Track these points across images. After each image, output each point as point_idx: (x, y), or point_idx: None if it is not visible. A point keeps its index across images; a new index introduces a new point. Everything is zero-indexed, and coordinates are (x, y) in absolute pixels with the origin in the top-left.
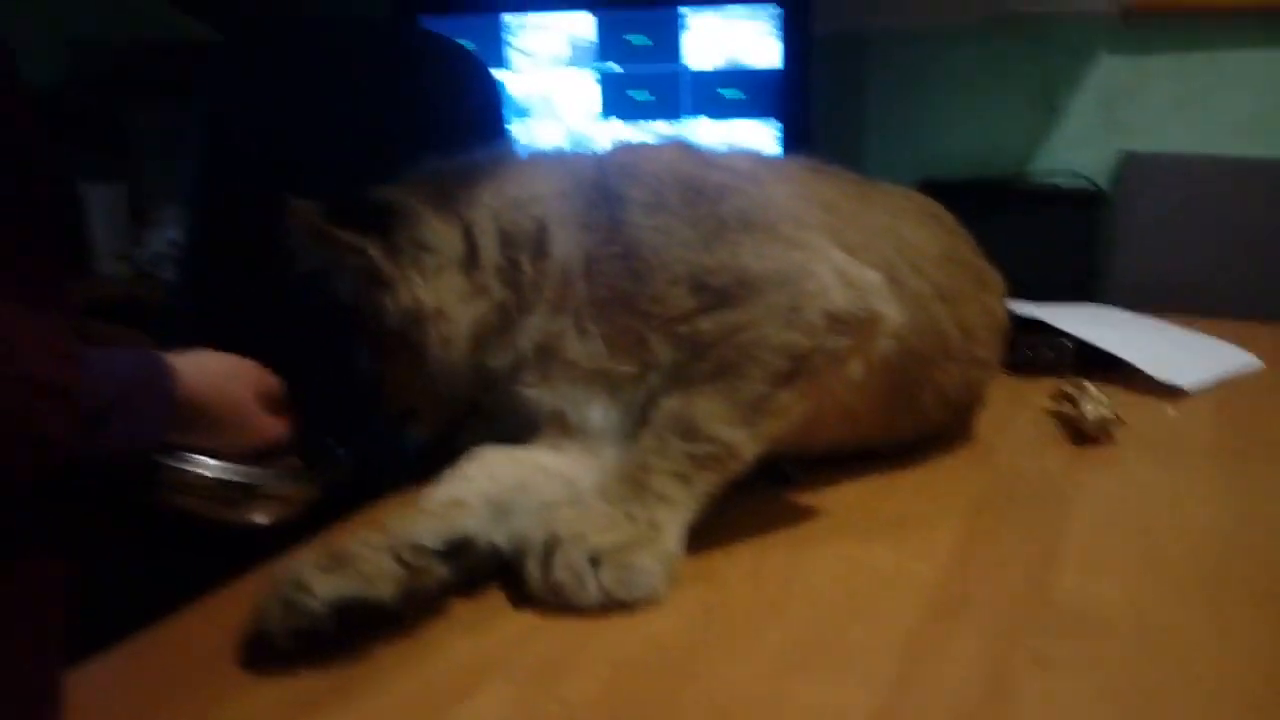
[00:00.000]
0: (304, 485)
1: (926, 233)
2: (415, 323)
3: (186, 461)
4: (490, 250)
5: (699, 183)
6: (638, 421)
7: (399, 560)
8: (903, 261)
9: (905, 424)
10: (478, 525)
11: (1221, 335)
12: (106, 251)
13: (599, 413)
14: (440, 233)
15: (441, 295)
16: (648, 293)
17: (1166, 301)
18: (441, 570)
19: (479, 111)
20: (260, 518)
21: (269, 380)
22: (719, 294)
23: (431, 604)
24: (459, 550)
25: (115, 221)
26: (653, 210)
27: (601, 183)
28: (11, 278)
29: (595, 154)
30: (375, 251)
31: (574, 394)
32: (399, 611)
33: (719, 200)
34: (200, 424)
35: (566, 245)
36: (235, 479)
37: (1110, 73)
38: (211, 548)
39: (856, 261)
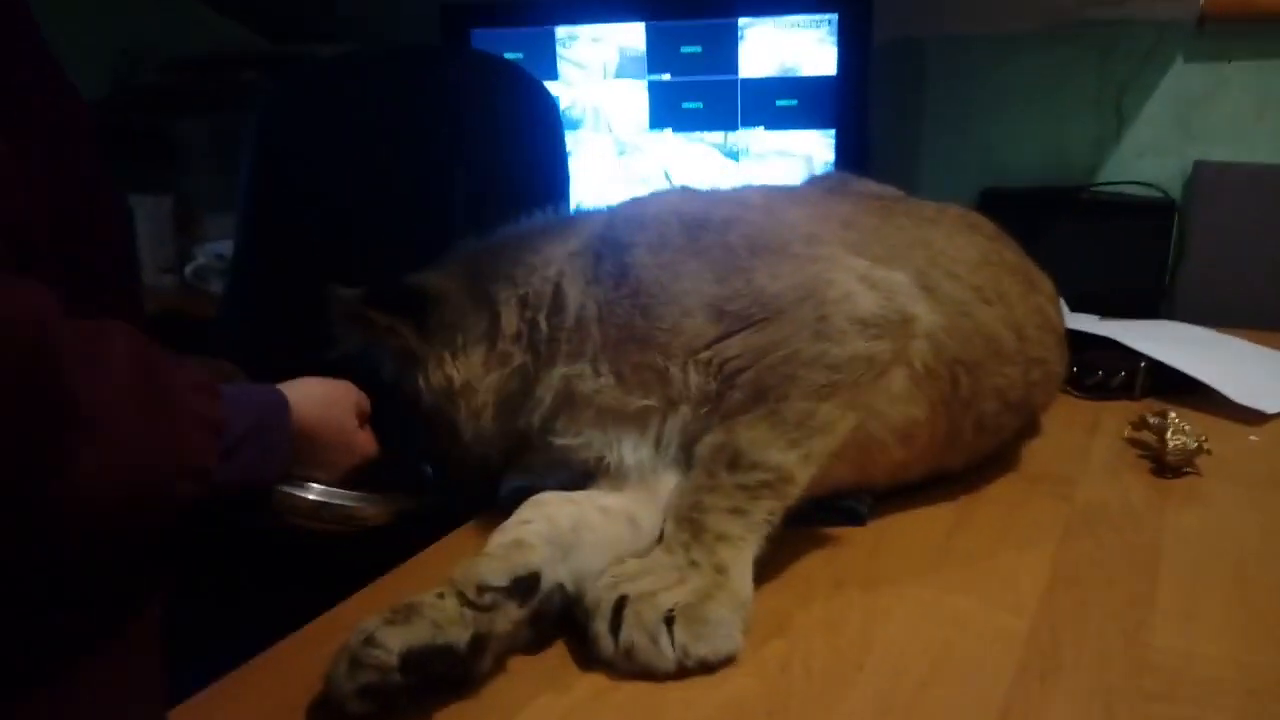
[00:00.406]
0: (397, 502)
1: (962, 240)
2: (448, 399)
3: (292, 485)
4: (511, 319)
5: (702, 218)
6: (678, 454)
7: (467, 603)
8: (936, 269)
9: (971, 439)
10: (542, 562)
11: None
12: (152, 264)
13: (629, 449)
14: (467, 310)
15: (469, 370)
16: (661, 325)
17: (1239, 317)
18: (511, 608)
19: (532, 132)
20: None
21: (362, 399)
22: (739, 318)
23: (503, 650)
24: (526, 586)
25: (161, 234)
26: (657, 249)
27: (609, 236)
28: (91, 290)
29: (604, 213)
30: (408, 332)
31: (601, 436)
32: (471, 659)
33: (725, 231)
34: (311, 451)
35: (579, 299)
36: (335, 501)
37: (1183, 80)
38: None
39: (876, 265)
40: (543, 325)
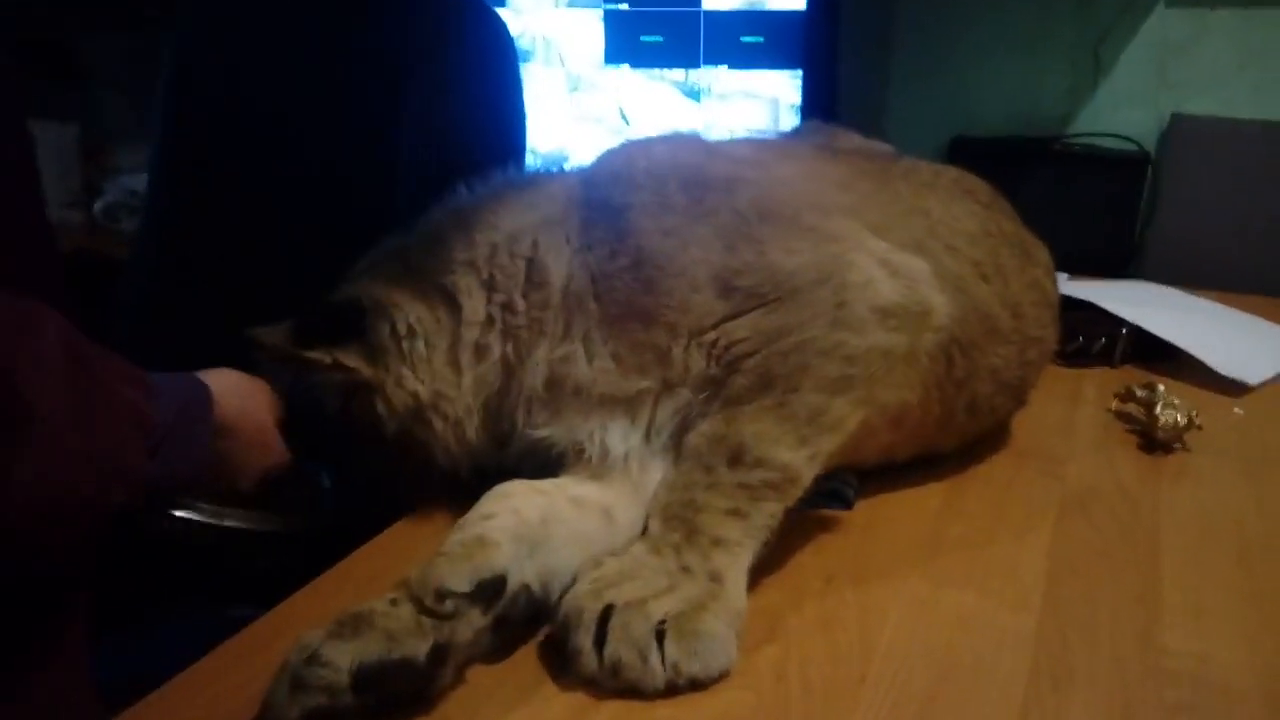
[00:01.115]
0: (292, 519)
1: (959, 208)
2: (416, 418)
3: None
4: (477, 308)
5: (703, 175)
6: (668, 442)
7: (424, 610)
8: (934, 241)
9: (964, 421)
10: (507, 562)
11: (1274, 316)
12: (54, 198)
13: (618, 437)
14: (418, 313)
15: (436, 378)
16: (668, 302)
17: (1211, 279)
18: (474, 615)
19: (472, 63)
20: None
21: (277, 401)
22: (750, 295)
23: (464, 660)
24: (491, 591)
25: (66, 165)
26: (658, 213)
27: (595, 198)
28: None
29: (578, 171)
30: (354, 362)
31: (587, 423)
32: (431, 673)
33: (730, 192)
34: (228, 449)
35: (565, 270)
36: (231, 525)
37: (1164, 26)
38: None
39: (897, 249)
40: (519, 305)
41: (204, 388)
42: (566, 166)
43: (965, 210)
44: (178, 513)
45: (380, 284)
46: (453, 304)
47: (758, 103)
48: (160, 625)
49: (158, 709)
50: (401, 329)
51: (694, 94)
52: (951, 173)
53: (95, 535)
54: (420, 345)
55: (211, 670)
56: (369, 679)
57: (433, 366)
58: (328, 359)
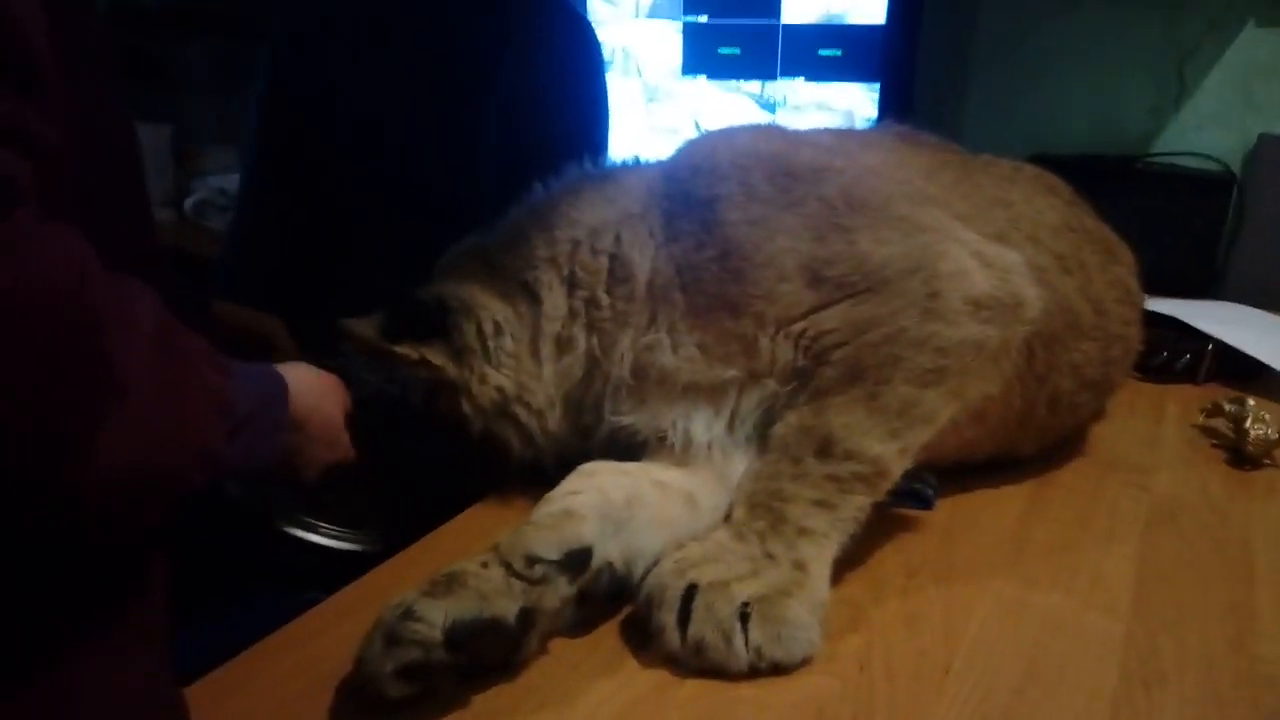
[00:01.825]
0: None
1: (1042, 202)
2: (501, 414)
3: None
4: (559, 303)
5: (789, 164)
6: (751, 432)
7: (515, 574)
8: (1017, 232)
9: (1045, 419)
10: (593, 536)
11: None
12: (151, 197)
13: (701, 425)
14: (502, 313)
15: (521, 372)
16: (756, 292)
17: None
18: (561, 584)
19: (574, 68)
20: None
21: (347, 398)
22: (839, 285)
23: (549, 630)
24: (578, 561)
25: (160, 165)
26: (744, 203)
27: (678, 191)
28: (111, 232)
29: (657, 165)
30: (440, 360)
31: (671, 411)
32: (520, 637)
33: (818, 182)
34: (299, 442)
35: (649, 264)
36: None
37: (1252, 47)
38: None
39: (990, 240)
40: (603, 300)
41: (281, 380)
42: (643, 160)
43: (1047, 204)
44: (296, 532)
45: (464, 283)
46: (534, 299)
47: (832, 115)
48: (234, 609)
49: (254, 663)
50: (487, 329)
51: (769, 106)
52: (1031, 169)
53: (171, 516)
54: (506, 342)
55: (299, 635)
56: (462, 636)
57: (517, 361)
58: (415, 355)
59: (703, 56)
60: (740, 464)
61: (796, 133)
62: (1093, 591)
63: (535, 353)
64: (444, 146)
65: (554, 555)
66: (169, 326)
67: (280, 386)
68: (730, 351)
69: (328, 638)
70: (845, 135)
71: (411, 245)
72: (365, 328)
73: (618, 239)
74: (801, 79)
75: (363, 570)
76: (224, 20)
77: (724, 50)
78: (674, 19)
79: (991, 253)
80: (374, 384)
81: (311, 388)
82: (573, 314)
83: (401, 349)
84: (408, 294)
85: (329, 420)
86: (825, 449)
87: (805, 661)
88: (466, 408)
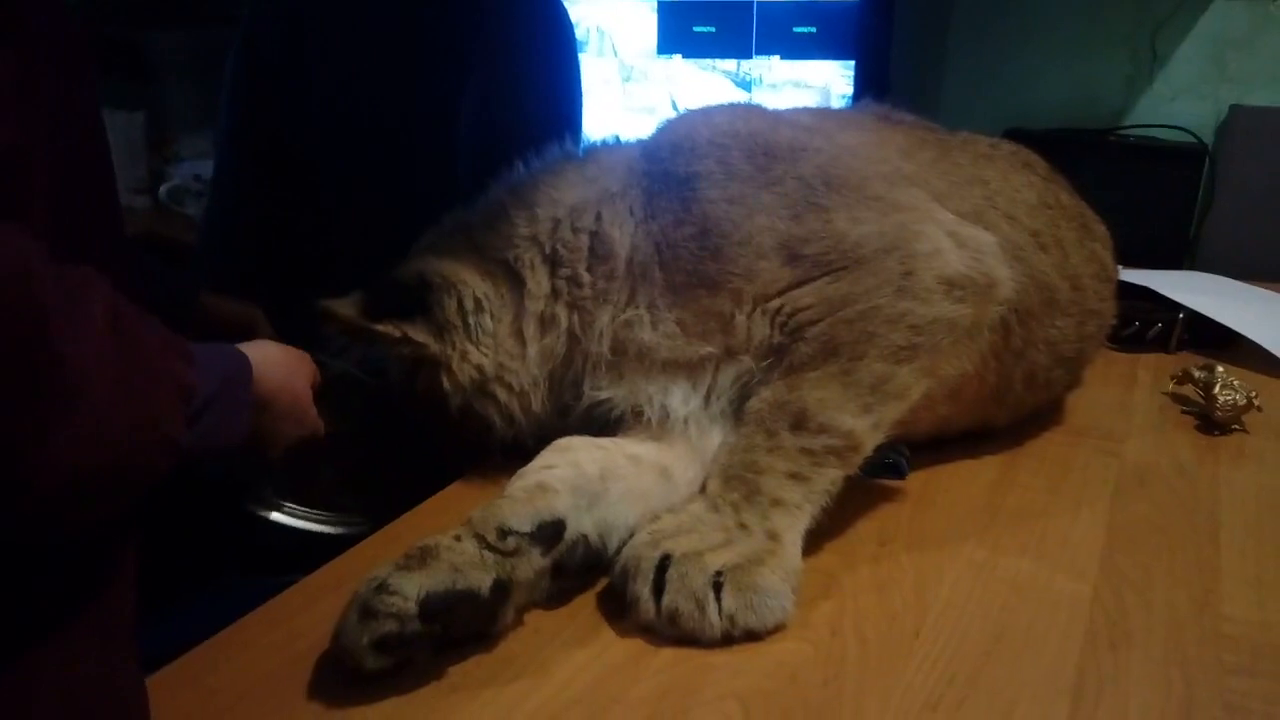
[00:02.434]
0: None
1: (1019, 179)
2: (481, 391)
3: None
4: (540, 281)
5: (767, 143)
6: (726, 407)
7: (488, 546)
8: (993, 210)
9: (1020, 394)
10: (566, 509)
11: None
12: (124, 184)
13: (678, 400)
14: (483, 289)
15: (500, 351)
16: (733, 269)
17: (1268, 271)
18: (534, 556)
19: (547, 49)
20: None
21: (315, 371)
22: (816, 263)
23: (524, 602)
24: (551, 533)
25: (133, 152)
26: (723, 181)
27: (657, 169)
28: (78, 226)
29: (636, 143)
30: (422, 337)
31: (649, 386)
32: (494, 608)
33: (795, 160)
34: (266, 420)
35: (629, 241)
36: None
37: (1224, 18)
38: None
39: (964, 220)
40: (584, 278)
41: (244, 359)
42: (622, 139)
43: (1024, 181)
44: (262, 513)
45: (445, 260)
46: (516, 279)
47: (809, 92)
48: (206, 596)
49: (231, 642)
50: (468, 305)
51: (745, 84)
52: (1009, 146)
53: (135, 506)
54: (486, 320)
55: (279, 613)
56: (436, 607)
57: (497, 340)
58: (396, 333)
59: (678, 35)
60: (716, 439)
61: (775, 112)
62: (1061, 555)
63: (519, 333)
64: (418, 129)
65: (526, 527)
66: (123, 315)
67: (243, 365)
68: (708, 328)
69: (307, 615)
70: (824, 115)
71: (387, 228)
72: (346, 308)
73: (598, 217)
74: (777, 57)
75: (337, 552)
76: (197, 6)
77: (699, 29)
78: None
79: (966, 233)
80: (342, 367)
81: (278, 364)
82: (555, 293)
83: (383, 327)
84: (384, 271)
85: (297, 396)
86: (799, 423)
87: (778, 628)
88: (446, 385)
